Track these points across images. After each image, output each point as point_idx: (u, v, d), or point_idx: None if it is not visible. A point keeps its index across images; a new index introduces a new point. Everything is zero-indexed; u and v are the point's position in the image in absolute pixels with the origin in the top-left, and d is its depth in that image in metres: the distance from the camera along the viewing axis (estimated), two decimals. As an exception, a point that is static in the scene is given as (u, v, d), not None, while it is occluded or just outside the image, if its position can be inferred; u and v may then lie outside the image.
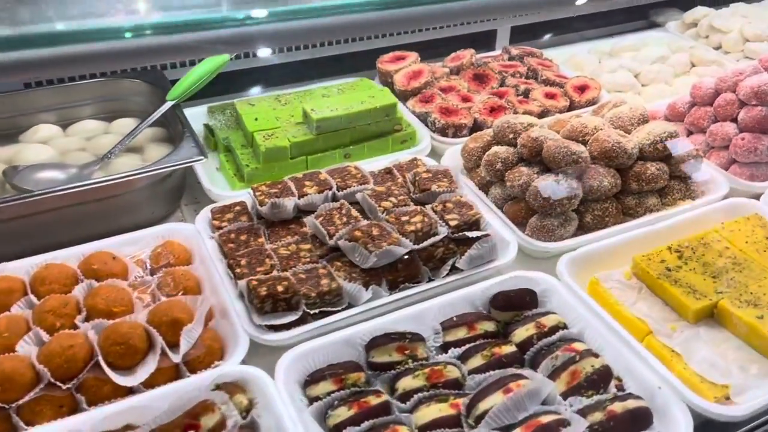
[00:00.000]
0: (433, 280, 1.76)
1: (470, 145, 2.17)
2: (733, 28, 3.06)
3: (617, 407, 1.39)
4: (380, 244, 1.69)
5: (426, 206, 1.87)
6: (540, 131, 2.03)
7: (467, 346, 1.60)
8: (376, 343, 1.57)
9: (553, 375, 1.50)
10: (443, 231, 1.78)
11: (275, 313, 1.60)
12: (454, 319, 1.66)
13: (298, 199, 1.87)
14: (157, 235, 1.82)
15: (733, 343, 1.63)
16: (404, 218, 1.78)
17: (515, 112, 2.43)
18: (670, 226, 1.98)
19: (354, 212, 1.81)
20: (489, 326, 1.65)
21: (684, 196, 2.11)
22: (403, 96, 2.56)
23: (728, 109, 2.28)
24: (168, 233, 1.83)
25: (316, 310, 1.63)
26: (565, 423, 1.35)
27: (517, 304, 1.70)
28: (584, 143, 2.04)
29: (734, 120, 2.28)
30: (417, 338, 1.60)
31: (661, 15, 3.50)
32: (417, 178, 1.96)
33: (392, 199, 1.87)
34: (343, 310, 1.66)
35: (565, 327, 1.64)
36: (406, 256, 1.75)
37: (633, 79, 2.76)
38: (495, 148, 2.08)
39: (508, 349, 1.58)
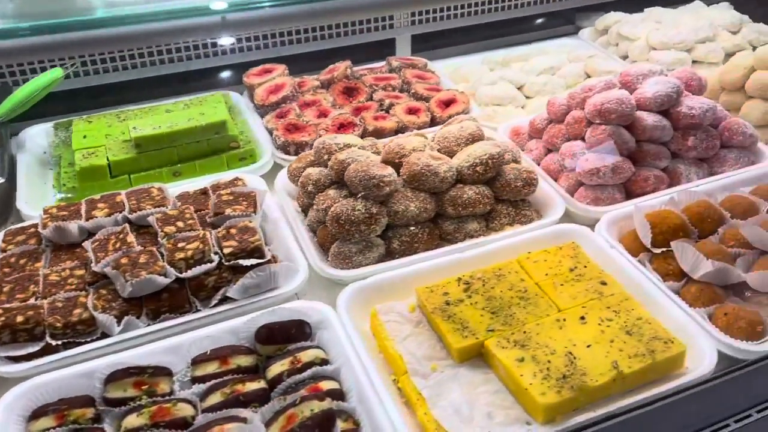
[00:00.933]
0: (200, 310, 1.70)
1: (293, 165, 2.10)
2: (640, 35, 2.89)
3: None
4: (139, 273, 1.64)
5: (213, 231, 1.81)
6: (351, 153, 1.95)
7: (213, 381, 1.54)
8: (113, 377, 1.52)
9: (273, 418, 1.42)
10: (216, 259, 1.72)
11: (16, 344, 1.57)
12: (208, 352, 1.60)
13: (86, 221, 1.84)
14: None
15: (493, 386, 1.53)
16: (181, 244, 1.73)
17: (365, 129, 2.35)
18: (487, 252, 1.87)
19: (130, 238, 1.77)
20: (245, 361, 1.59)
21: (513, 221, 1.99)
22: (264, 111, 2.50)
23: (576, 127, 2.15)
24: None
25: (62, 341, 1.59)
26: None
27: (280, 337, 1.63)
28: (401, 165, 1.96)
29: (584, 139, 2.15)
30: (161, 372, 1.55)
31: (585, 20, 3.34)
32: (216, 201, 1.90)
33: (180, 223, 1.82)
34: (96, 340, 1.62)
35: (323, 363, 1.57)
36: (175, 285, 1.70)
37: (514, 91, 2.63)
38: (309, 170, 2.01)
39: (254, 386, 1.52)
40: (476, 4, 3.07)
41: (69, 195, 2.06)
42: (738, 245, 1.79)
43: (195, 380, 1.56)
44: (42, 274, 1.73)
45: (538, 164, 2.25)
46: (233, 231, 1.78)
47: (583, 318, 1.62)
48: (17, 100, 2.16)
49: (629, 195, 2.12)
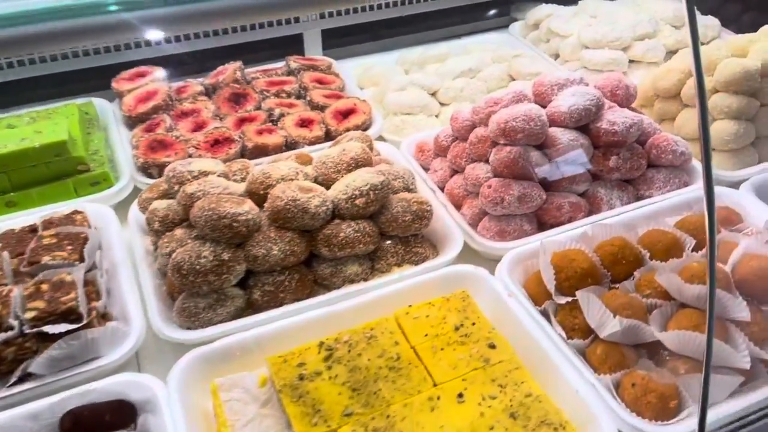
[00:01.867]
0: (-5, 389, 1.38)
1: (144, 195, 1.77)
2: (572, 31, 2.59)
3: None
4: None
5: (21, 286, 1.48)
6: (204, 185, 1.62)
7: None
8: None
9: None
10: (17, 324, 1.39)
11: None
12: (-6, 449, 1.29)
13: None
14: None
15: (345, 488, 1.24)
16: (-25, 307, 1.40)
17: (245, 146, 2.02)
18: (367, 303, 1.57)
19: None
20: (41, 459, 1.28)
21: (402, 261, 1.69)
22: (133, 123, 2.16)
23: (480, 147, 1.85)
24: None
25: None
26: None
27: (88, 425, 1.32)
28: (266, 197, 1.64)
29: (488, 161, 1.85)
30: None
31: (520, 11, 3.03)
32: (34, 245, 1.57)
33: (-17, 276, 1.49)
34: None
35: (140, 460, 1.26)
36: (-37, 359, 1.37)
37: (426, 98, 2.31)
38: (155, 204, 1.68)
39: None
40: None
41: None
42: (654, 295, 1.51)
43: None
44: None
45: (442, 188, 1.95)
46: (44, 287, 1.45)
47: (461, 395, 1.33)
48: None
49: (542, 225, 1.83)
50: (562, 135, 1.83)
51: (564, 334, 1.49)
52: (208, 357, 1.45)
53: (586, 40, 2.52)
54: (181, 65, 2.59)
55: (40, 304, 1.41)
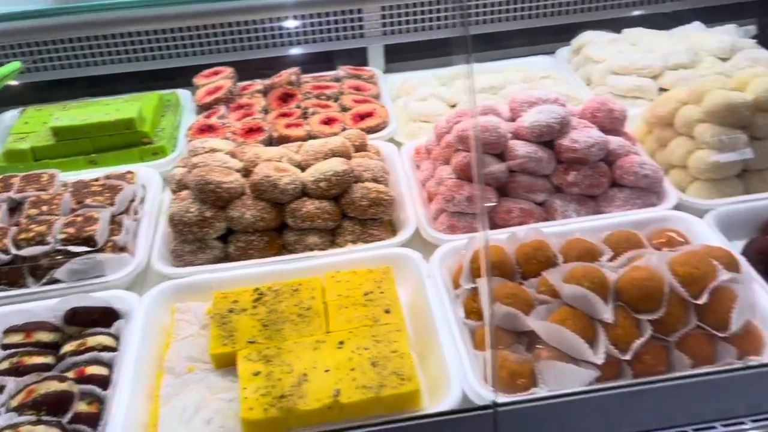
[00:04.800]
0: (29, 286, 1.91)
1: (178, 163, 2.25)
2: (605, 57, 2.70)
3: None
4: (-17, 247, 1.89)
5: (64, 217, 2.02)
6: (207, 158, 2.06)
7: (10, 351, 1.75)
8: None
9: (20, 390, 1.58)
10: (52, 242, 1.92)
11: None
12: (19, 324, 1.81)
13: (-26, 198, 2.13)
14: None
15: (232, 394, 1.58)
16: (32, 226, 1.95)
17: (272, 135, 2.44)
18: (312, 267, 1.91)
19: (-2, 214, 2.02)
20: (46, 337, 1.77)
21: (357, 239, 2.01)
22: (201, 111, 2.68)
23: (447, 152, 2.10)
24: None
25: None
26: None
27: (81, 319, 1.79)
28: (255, 173, 2.04)
29: (454, 164, 2.09)
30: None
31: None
32: (84, 190, 2.11)
33: (45, 207, 2.04)
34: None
35: (105, 350, 1.71)
36: (15, 261, 1.92)
37: (444, 109, 2.58)
38: (176, 170, 2.15)
39: (38, 360, 1.70)
40: (448, 17, 3.02)
41: (-4, 174, 2.37)
42: (546, 292, 1.68)
43: (3, 347, 1.78)
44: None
45: (424, 185, 2.22)
46: (78, 219, 1.98)
47: (342, 343, 1.62)
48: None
49: (495, 226, 2.04)
50: (521, 147, 2.02)
51: (462, 315, 1.71)
52: (178, 287, 1.88)
53: (615, 66, 2.63)
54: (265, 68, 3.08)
55: (71, 230, 1.94)
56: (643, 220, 1.95)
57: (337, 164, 1.99)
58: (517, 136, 2.06)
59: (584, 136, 2.02)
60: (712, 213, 1.97)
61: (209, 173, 1.96)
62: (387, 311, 1.71)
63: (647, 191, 2.05)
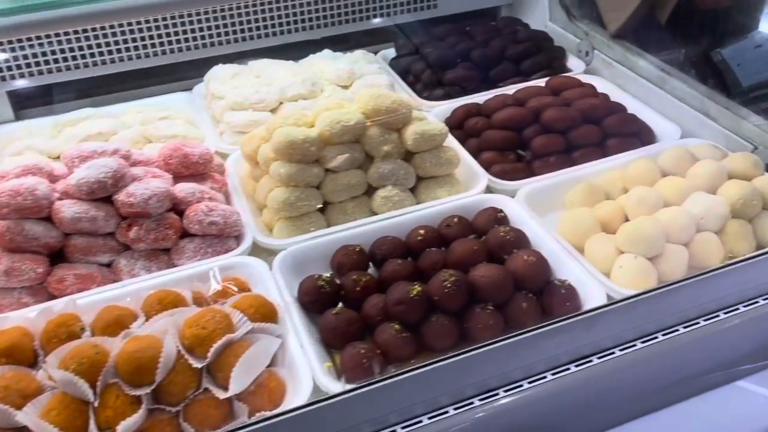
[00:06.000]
0: None
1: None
2: (224, 93, 2.63)
3: None
4: None
5: None
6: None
7: None
8: None
9: None
10: None
11: None
12: None
13: None
14: None
15: None
16: None
17: None
18: None
19: None
20: None
21: None
22: None
23: (-10, 220, 1.88)
24: None
25: None
26: None
27: None
28: None
29: None
30: None
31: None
32: None
33: None
34: None
35: None
36: None
37: (45, 161, 2.34)
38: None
39: None
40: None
41: None
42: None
43: None
44: None
45: (-12, 256, 1.97)
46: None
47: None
48: None
49: (52, 298, 1.85)
50: (68, 208, 1.86)
51: None
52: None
53: (231, 101, 2.56)
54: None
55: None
56: (205, 270, 1.86)
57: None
58: (68, 195, 1.89)
59: (141, 188, 1.90)
60: (282, 254, 1.94)
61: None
62: None
63: (222, 237, 1.98)
